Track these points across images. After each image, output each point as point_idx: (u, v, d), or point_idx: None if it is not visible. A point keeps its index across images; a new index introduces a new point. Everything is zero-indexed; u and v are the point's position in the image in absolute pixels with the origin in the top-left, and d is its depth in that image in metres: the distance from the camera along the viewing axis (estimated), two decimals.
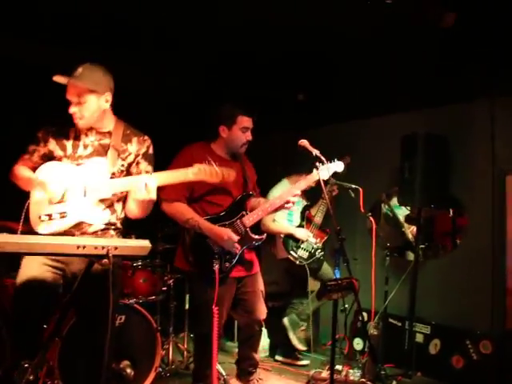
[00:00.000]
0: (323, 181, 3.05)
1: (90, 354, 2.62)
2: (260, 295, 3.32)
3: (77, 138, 2.68)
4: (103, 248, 2.15)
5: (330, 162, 3.18)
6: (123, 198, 2.75)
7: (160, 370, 3.69)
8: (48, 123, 2.73)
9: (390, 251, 4.49)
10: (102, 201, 2.63)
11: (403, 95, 4.58)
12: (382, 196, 4.66)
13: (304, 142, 3.04)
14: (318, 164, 3.00)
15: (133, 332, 3.40)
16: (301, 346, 4.65)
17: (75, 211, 2.54)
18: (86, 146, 2.68)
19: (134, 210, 2.73)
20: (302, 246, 4.46)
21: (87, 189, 2.56)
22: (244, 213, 3.11)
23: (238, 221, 3.09)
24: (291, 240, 4.48)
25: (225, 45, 4.42)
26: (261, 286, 3.35)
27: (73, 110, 2.60)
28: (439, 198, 4.32)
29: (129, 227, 3.56)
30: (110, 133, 2.72)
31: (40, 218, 2.52)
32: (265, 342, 4.72)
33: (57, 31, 4.09)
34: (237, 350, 3.60)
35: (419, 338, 4.37)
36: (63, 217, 2.51)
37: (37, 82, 4.10)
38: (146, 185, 2.47)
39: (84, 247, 2.13)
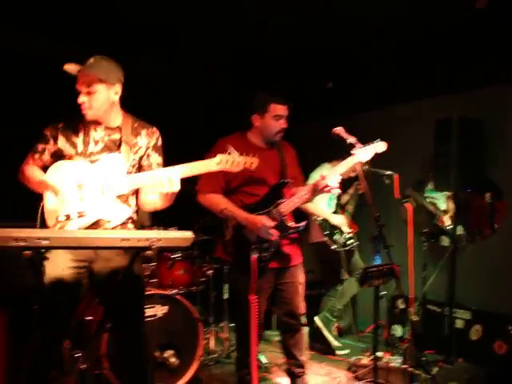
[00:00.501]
0: (362, 163, 3.02)
1: (132, 345, 2.64)
2: (298, 288, 3.22)
3: (86, 134, 2.63)
4: (147, 240, 2.19)
5: (369, 144, 3.07)
6: (136, 191, 2.72)
7: (202, 358, 3.74)
8: (54, 119, 2.66)
9: (427, 237, 4.45)
10: (117, 196, 2.60)
11: (437, 79, 4.51)
12: (409, 190, 4.52)
13: (338, 130, 3.01)
14: (353, 151, 2.96)
15: (175, 322, 3.46)
16: (336, 343, 4.65)
17: (94, 210, 2.51)
18: (96, 142, 2.63)
19: (156, 202, 2.68)
20: (336, 232, 4.48)
21: (105, 186, 2.54)
22: (280, 201, 3.06)
23: (275, 209, 3.04)
24: (328, 224, 4.49)
25: (255, 39, 4.45)
26: (300, 278, 3.24)
27: (82, 99, 2.55)
28: (475, 182, 4.26)
29: (165, 219, 3.64)
30: (118, 128, 2.67)
31: (57, 218, 2.49)
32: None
33: (84, 30, 4.18)
34: (276, 338, 3.61)
35: (459, 323, 4.32)
36: (81, 216, 2.47)
37: (45, 77, 4.12)
38: (168, 179, 2.45)
39: (128, 240, 2.17)
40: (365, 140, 3.11)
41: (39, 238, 2.03)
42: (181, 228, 2.38)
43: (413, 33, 4.13)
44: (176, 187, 2.47)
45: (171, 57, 4.83)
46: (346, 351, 4.64)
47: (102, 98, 2.58)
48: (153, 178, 2.54)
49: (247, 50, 4.71)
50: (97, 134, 2.64)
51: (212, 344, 4.24)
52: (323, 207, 4.58)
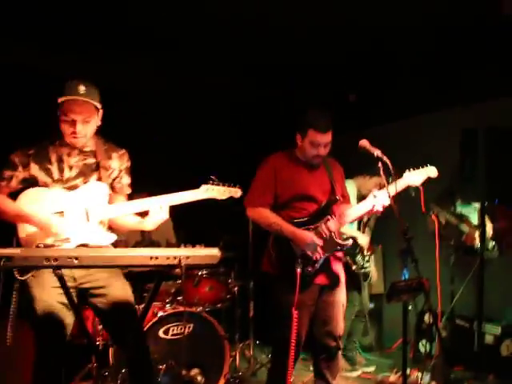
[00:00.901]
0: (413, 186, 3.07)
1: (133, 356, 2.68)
2: (340, 308, 3.18)
3: (60, 160, 2.61)
4: (175, 258, 2.20)
5: (419, 168, 3.12)
6: None
7: (228, 376, 3.70)
8: (20, 144, 2.60)
9: (455, 250, 4.36)
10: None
11: (463, 88, 4.47)
12: (433, 205, 4.40)
13: (364, 143, 2.97)
14: (379, 165, 2.91)
15: (201, 340, 3.45)
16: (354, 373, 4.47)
17: (78, 236, 2.52)
18: (70, 168, 2.63)
19: (139, 225, 2.74)
20: (358, 252, 4.38)
21: (89, 213, 2.57)
22: (329, 217, 3.05)
23: (323, 225, 3.03)
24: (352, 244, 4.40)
25: (278, 47, 4.43)
26: (343, 299, 3.22)
27: (80, 128, 2.53)
28: (504, 194, 4.17)
29: (189, 236, 3.64)
30: (92, 151, 2.68)
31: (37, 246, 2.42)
32: None
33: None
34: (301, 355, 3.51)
35: (489, 339, 4.22)
36: (66, 242, 2.48)
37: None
38: (161, 207, 2.59)
39: (157, 258, 2.18)
40: (389, 152, 3.08)
41: (70, 257, 2.05)
42: (206, 245, 2.37)
43: (437, 42, 4.09)
44: (166, 215, 2.61)
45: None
46: (372, 368, 4.55)
47: (94, 124, 2.62)
48: (142, 206, 2.63)
49: (267, 63, 4.73)
50: (71, 159, 2.64)
51: (238, 362, 4.20)
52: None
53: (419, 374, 3.80)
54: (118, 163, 2.77)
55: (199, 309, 3.58)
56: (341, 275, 3.20)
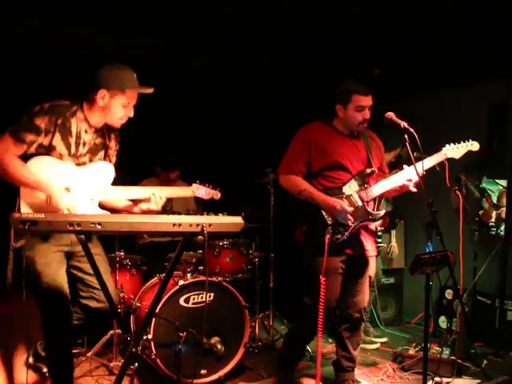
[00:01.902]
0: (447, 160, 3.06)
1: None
2: (367, 280, 3.22)
3: (78, 136, 2.62)
4: (198, 225, 2.19)
5: (461, 142, 3.11)
6: None
7: (248, 346, 3.72)
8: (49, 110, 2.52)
9: (479, 226, 4.30)
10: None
11: (486, 64, 4.35)
12: (461, 177, 4.33)
13: (391, 115, 2.94)
14: (405, 137, 2.86)
15: (222, 309, 3.46)
16: None
17: (80, 212, 2.55)
18: (84, 144, 2.66)
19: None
20: None
21: (94, 192, 2.64)
22: (363, 187, 3.07)
23: (356, 195, 3.05)
24: None
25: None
26: (371, 271, 3.24)
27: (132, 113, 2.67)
28: None
29: (212, 208, 3.64)
30: (102, 131, 2.74)
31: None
32: None
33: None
34: None
35: (511, 316, 4.18)
36: None
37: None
38: (160, 197, 2.69)
39: (180, 225, 2.18)
40: (415, 126, 3.02)
41: (93, 223, 2.06)
42: (229, 214, 2.36)
43: (465, 15, 3.97)
44: (160, 206, 2.72)
45: None
46: (384, 339, 4.56)
47: None
48: (140, 193, 2.74)
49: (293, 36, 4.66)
50: (86, 136, 2.66)
51: (257, 332, 4.24)
52: None
53: (439, 349, 3.80)
54: (114, 143, 2.85)
55: (220, 278, 3.59)
56: (371, 247, 3.20)
